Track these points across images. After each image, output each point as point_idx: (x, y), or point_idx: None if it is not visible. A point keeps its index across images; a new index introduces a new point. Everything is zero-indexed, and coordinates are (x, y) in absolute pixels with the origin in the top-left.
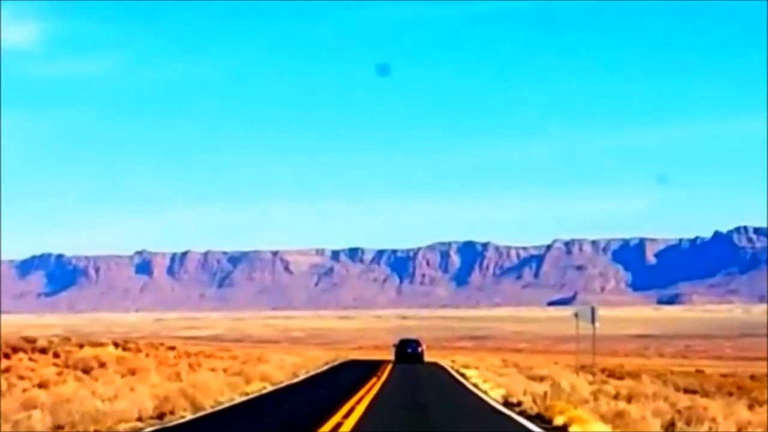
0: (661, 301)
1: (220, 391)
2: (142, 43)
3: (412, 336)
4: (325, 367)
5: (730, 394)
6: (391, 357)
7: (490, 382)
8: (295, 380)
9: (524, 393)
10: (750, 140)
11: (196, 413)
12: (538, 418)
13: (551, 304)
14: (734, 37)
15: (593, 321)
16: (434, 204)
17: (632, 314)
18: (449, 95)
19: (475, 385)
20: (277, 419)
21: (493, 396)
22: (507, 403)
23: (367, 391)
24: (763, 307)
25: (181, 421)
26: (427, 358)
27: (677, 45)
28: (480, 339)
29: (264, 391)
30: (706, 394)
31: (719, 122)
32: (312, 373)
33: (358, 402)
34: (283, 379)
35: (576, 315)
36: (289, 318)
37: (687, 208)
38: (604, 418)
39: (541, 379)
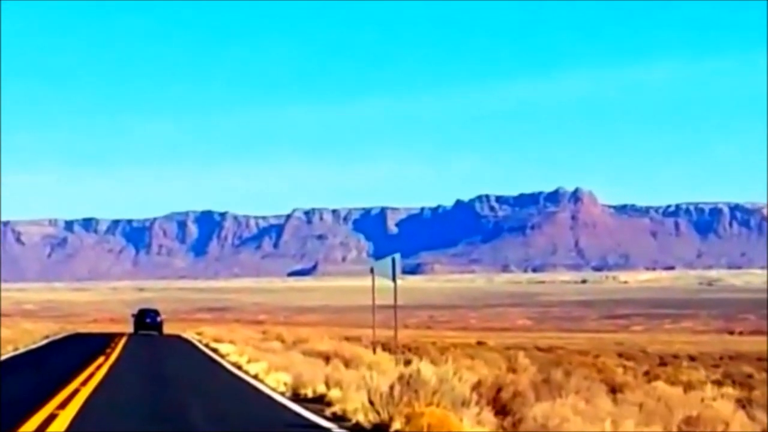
0: (404, 271)
1: None
2: None
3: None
4: (42, 343)
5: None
6: (128, 330)
7: (258, 362)
8: None
9: (328, 383)
10: (488, 111)
11: None
12: None
13: (291, 274)
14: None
15: (394, 276)
16: (170, 172)
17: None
18: (181, 64)
19: (237, 366)
20: None
21: (272, 384)
22: (305, 400)
23: (83, 383)
24: (505, 276)
25: None
26: (169, 330)
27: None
28: (220, 310)
29: None
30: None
31: (452, 91)
32: (22, 350)
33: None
34: None
35: (372, 270)
36: (21, 290)
37: (428, 177)
38: None
39: (327, 357)
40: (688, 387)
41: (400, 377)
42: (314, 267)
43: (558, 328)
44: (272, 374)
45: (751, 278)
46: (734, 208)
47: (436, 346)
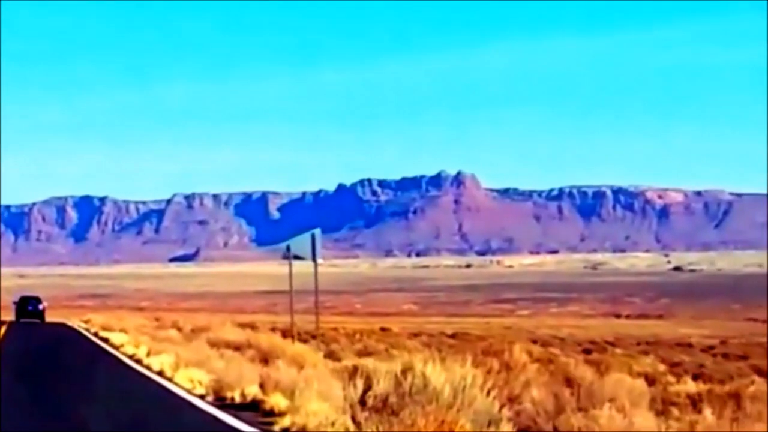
0: (286, 257)
1: None
2: None
3: (32, 294)
4: None
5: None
6: (9, 318)
7: (160, 355)
8: None
9: (265, 384)
10: (367, 94)
11: None
12: None
13: (173, 260)
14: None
15: (314, 255)
16: (48, 157)
17: (257, 270)
18: (56, 46)
19: (137, 360)
20: None
21: (184, 384)
22: (234, 406)
23: None
24: (389, 261)
25: None
26: (52, 318)
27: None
28: (101, 297)
29: None
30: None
31: (333, 74)
32: None
33: None
34: None
35: (288, 248)
36: None
37: (310, 161)
38: None
39: (237, 347)
40: (653, 381)
41: (398, 384)
42: (196, 252)
43: (444, 312)
44: (182, 371)
45: (635, 261)
46: (617, 192)
47: (340, 333)
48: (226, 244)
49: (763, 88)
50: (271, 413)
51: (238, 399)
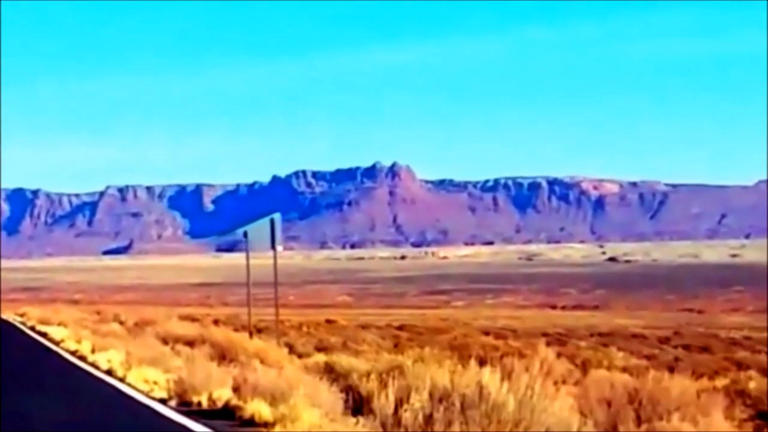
0: (221, 249)
1: None
2: None
3: None
4: None
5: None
6: None
7: (106, 351)
8: None
9: (239, 389)
10: (303, 84)
11: None
12: None
13: (106, 252)
14: None
15: (273, 243)
16: None
17: (191, 262)
18: None
19: (81, 357)
20: None
21: (139, 385)
22: (204, 413)
23: None
24: (323, 253)
25: None
26: None
27: None
28: (34, 290)
29: None
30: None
31: (261, 65)
32: None
33: None
34: None
35: (245, 235)
36: None
37: (245, 153)
38: None
39: (189, 343)
40: (638, 375)
41: (445, 395)
42: (129, 245)
43: (379, 304)
44: (135, 370)
45: (570, 252)
46: (552, 183)
47: (287, 326)
48: (159, 237)
49: (699, 79)
50: (252, 423)
51: (206, 404)
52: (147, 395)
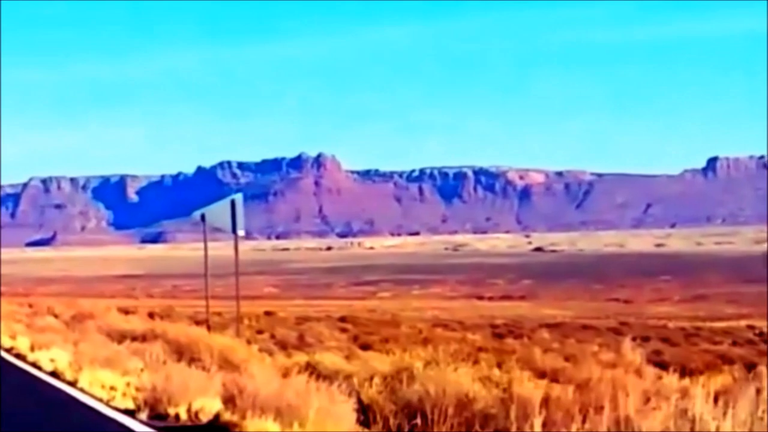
0: (145, 240)
1: None
2: None
3: None
4: None
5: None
6: None
7: (48, 350)
8: None
9: (235, 397)
10: (227, 74)
11: None
12: None
13: (30, 244)
14: None
15: (234, 227)
16: None
17: (115, 254)
18: None
19: (19, 356)
20: None
21: (95, 392)
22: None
23: None
24: (249, 243)
25: None
26: None
27: None
28: None
29: None
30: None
31: (189, 55)
32: None
33: None
34: None
35: (203, 218)
36: None
37: (169, 144)
38: None
39: (137, 339)
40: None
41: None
42: (53, 237)
43: (306, 295)
44: (87, 372)
45: (496, 242)
46: (478, 173)
47: (226, 318)
48: (83, 228)
49: (624, 68)
50: None
51: (185, 417)
52: (108, 404)
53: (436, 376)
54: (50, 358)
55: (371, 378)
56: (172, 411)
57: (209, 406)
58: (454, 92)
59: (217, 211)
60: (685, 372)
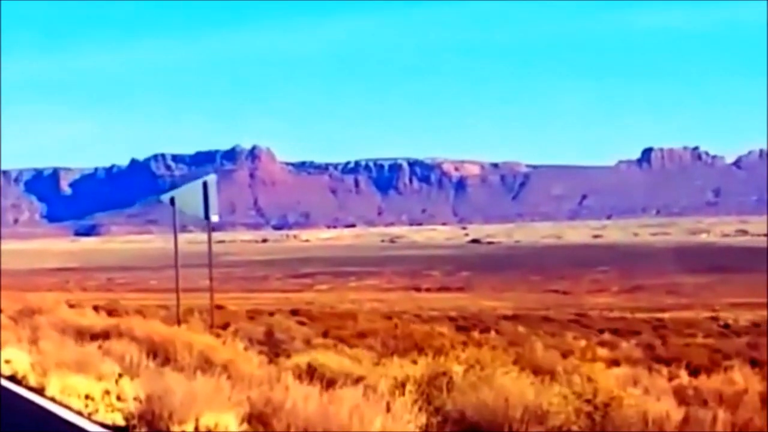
0: (79, 233)
1: None
2: None
3: None
4: None
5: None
6: None
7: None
8: None
9: (262, 416)
10: (161, 66)
11: None
12: None
13: None
14: None
15: (207, 212)
16: None
17: (48, 247)
18: None
19: None
20: None
21: (73, 403)
22: None
23: None
24: (184, 236)
25: None
26: None
27: None
28: None
29: None
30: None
31: (125, 46)
32: None
33: None
34: None
35: (172, 202)
36: None
37: (102, 136)
38: None
39: (99, 336)
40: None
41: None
42: None
43: (242, 288)
44: (55, 377)
45: (433, 234)
46: (413, 164)
47: (171, 311)
48: (16, 221)
49: (560, 60)
50: None
51: None
52: (89, 418)
53: (488, 383)
54: (5, 359)
55: (403, 385)
56: (175, 429)
57: (223, 423)
58: (386, 83)
59: (189, 194)
60: (699, 370)
